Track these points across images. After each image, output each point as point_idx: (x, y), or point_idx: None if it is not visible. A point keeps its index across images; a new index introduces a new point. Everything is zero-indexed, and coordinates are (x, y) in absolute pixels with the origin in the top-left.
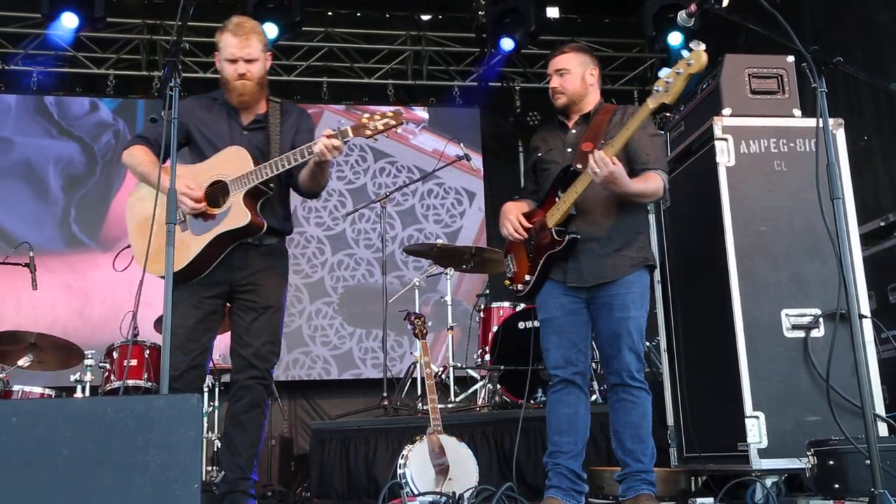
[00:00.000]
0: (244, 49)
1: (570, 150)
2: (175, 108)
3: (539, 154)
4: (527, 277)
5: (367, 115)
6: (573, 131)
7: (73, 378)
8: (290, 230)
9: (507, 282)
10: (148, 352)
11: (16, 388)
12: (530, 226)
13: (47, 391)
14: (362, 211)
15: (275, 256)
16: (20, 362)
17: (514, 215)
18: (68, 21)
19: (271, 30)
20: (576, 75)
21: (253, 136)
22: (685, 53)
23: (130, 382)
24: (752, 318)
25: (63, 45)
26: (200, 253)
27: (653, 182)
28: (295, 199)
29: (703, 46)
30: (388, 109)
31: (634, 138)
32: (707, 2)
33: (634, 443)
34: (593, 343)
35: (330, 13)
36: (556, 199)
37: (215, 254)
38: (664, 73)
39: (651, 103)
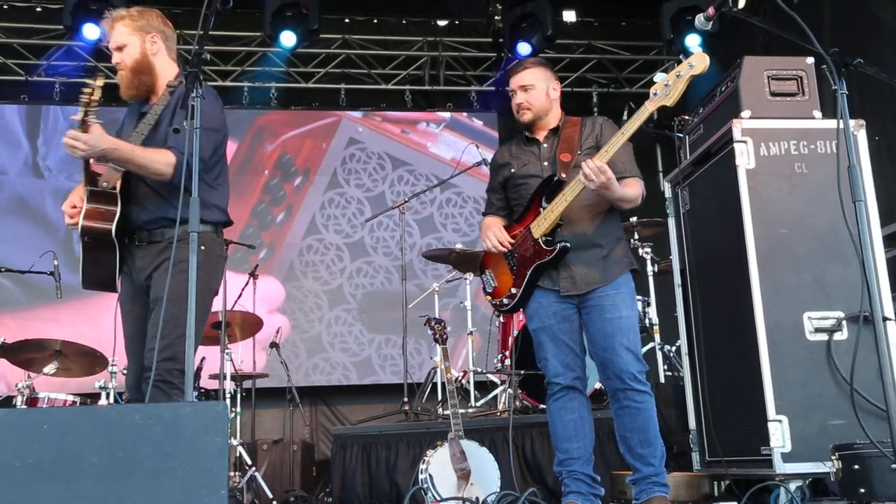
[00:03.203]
0: (112, 38)
1: (546, 163)
2: (198, 119)
3: (512, 170)
4: (512, 290)
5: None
6: (545, 145)
7: (97, 385)
8: (201, 218)
9: (488, 297)
10: None
11: (42, 395)
12: (512, 239)
13: (72, 398)
14: (380, 219)
15: (177, 248)
16: (46, 369)
17: (497, 228)
18: (90, 32)
19: (290, 38)
20: (540, 90)
21: (138, 132)
22: (685, 58)
23: None
24: (775, 321)
25: (84, 56)
26: (83, 256)
27: (636, 188)
28: (314, 206)
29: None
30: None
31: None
32: (725, 5)
33: (643, 447)
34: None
35: (347, 20)
36: (541, 209)
37: (100, 259)
38: (661, 76)
39: (650, 106)
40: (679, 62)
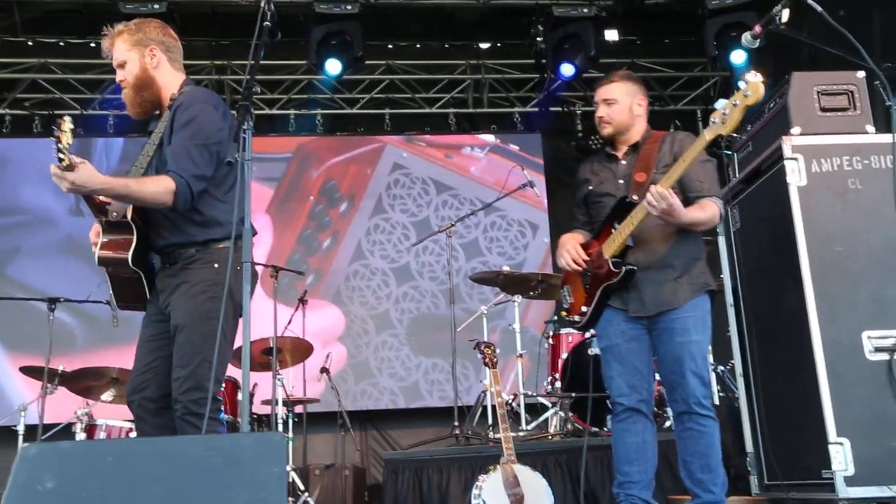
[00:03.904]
0: (113, 55)
1: (622, 181)
2: (248, 151)
3: (590, 187)
4: (583, 309)
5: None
6: (623, 162)
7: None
8: (213, 235)
9: (564, 313)
10: (224, 385)
11: (100, 422)
12: (587, 257)
13: (129, 424)
14: (426, 244)
15: (192, 268)
16: (103, 397)
17: (571, 245)
18: None
19: (335, 66)
20: (623, 105)
21: (143, 155)
22: (742, 85)
23: None
24: (832, 340)
25: None
26: (111, 283)
27: (708, 210)
28: (359, 232)
29: (759, 78)
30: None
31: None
32: (772, 22)
33: (704, 472)
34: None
35: (390, 46)
36: (612, 230)
37: (124, 280)
38: (720, 104)
39: (708, 135)
40: (729, 79)
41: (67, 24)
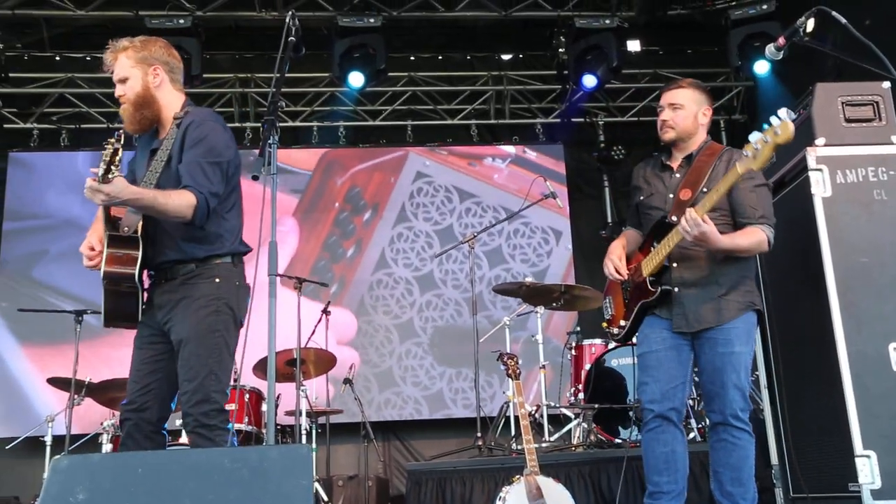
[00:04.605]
0: (114, 70)
1: (671, 195)
2: (274, 165)
3: (641, 197)
4: (622, 322)
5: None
6: (677, 175)
7: (178, 422)
8: (214, 251)
9: (605, 324)
10: (248, 396)
11: None
12: (628, 271)
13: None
14: (449, 251)
15: (192, 283)
16: None
17: (616, 255)
18: None
19: (358, 79)
20: (689, 112)
21: (152, 171)
22: (773, 121)
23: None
24: (858, 352)
25: None
26: (105, 297)
27: (753, 237)
28: (383, 241)
29: (790, 117)
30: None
31: (739, 188)
32: (796, 34)
33: (734, 485)
34: (694, 379)
35: (412, 58)
36: (652, 248)
37: (121, 296)
38: (754, 137)
39: (740, 169)
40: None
41: (94, 39)
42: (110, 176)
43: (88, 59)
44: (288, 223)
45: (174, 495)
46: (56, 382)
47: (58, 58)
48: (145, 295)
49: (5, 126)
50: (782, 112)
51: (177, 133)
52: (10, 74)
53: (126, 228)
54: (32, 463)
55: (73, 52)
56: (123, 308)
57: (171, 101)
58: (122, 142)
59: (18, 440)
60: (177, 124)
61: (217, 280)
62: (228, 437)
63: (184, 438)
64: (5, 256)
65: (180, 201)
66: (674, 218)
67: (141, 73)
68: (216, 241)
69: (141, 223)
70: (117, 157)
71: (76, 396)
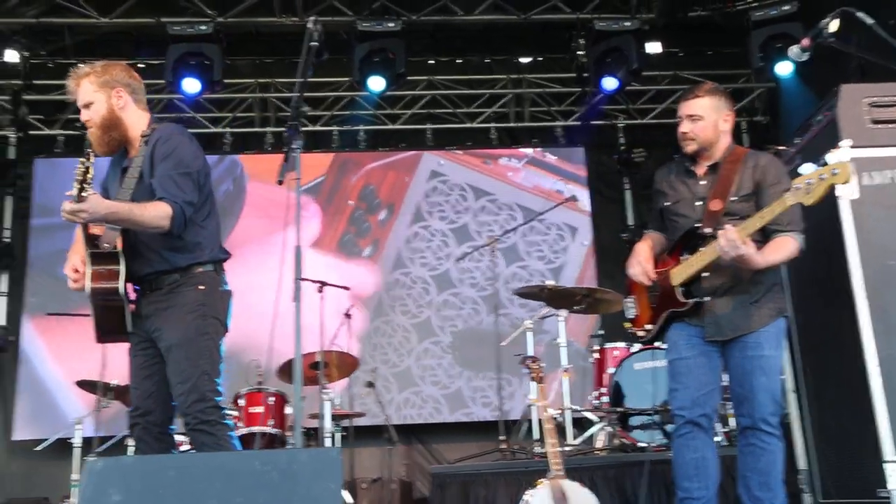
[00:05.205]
0: (78, 96)
1: (699, 203)
2: (298, 169)
3: (666, 203)
4: (648, 326)
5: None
6: (703, 182)
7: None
8: (196, 259)
9: (628, 324)
10: (273, 399)
11: None
12: (655, 277)
13: (180, 437)
14: (465, 250)
15: (178, 292)
16: None
17: (643, 258)
18: (190, 86)
19: (378, 83)
20: (709, 122)
21: (125, 188)
22: (830, 160)
23: (257, 429)
24: (888, 356)
25: (185, 109)
26: (94, 314)
27: (785, 249)
28: (399, 241)
29: (849, 156)
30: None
31: (768, 193)
32: (820, 35)
33: (762, 490)
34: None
35: (432, 61)
36: (681, 256)
37: (109, 310)
38: (807, 169)
39: (790, 199)
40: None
41: (117, 46)
42: (84, 194)
43: None
44: (311, 208)
45: (205, 497)
46: (85, 385)
47: (81, 65)
48: (132, 307)
49: (31, 132)
50: (841, 152)
51: (146, 150)
52: (35, 82)
53: (106, 245)
54: (61, 464)
55: (97, 59)
56: (113, 322)
57: (136, 120)
58: (92, 161)
59: (47, 442)
60: (145, 141)
61: (202, 287)
62: (229, 433)
63: None
64: (32, 255)
65: (156, 212)
66: (706, 229)
67: (105, 96)
68: (195, 250)
69: (120, 239)
70: (89, 176)
71: (103, 399)
